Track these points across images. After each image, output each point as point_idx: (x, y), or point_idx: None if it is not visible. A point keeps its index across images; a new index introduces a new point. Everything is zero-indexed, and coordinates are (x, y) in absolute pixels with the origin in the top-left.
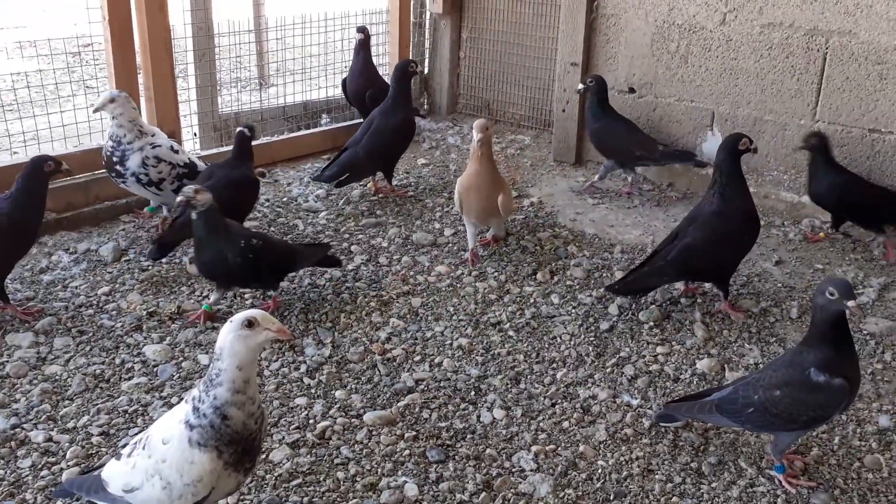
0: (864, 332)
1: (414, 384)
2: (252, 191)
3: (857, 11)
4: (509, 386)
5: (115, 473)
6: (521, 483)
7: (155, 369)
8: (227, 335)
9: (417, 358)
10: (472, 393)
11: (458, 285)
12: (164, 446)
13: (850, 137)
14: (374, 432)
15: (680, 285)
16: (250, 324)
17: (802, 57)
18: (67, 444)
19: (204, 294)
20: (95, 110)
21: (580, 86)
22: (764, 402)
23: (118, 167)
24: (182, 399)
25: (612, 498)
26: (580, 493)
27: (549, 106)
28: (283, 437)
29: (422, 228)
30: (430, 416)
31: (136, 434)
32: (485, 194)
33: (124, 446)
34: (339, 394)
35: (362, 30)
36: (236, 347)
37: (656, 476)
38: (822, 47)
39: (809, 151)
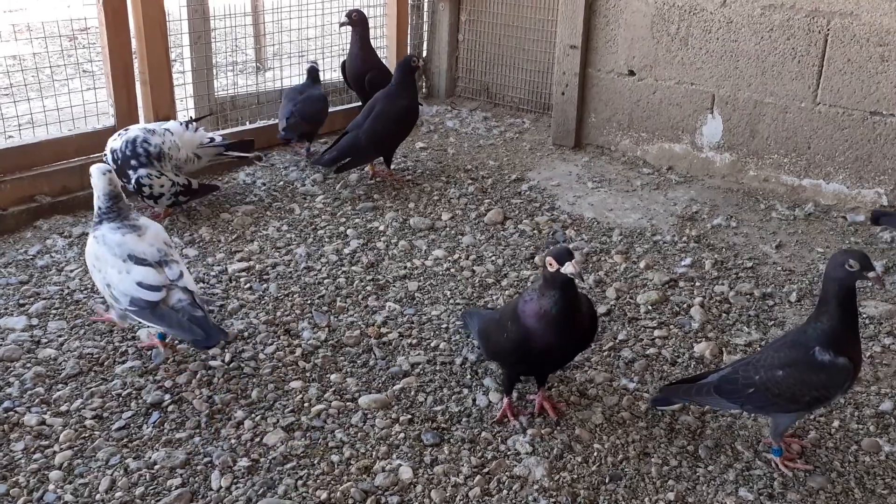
0: (864, 315)
1: (410, 368)
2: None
3: None
4: None
5: None
6: (515, 466)
7: (148, 353)
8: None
9: (413, 342)
10: (468, 376)
11: (455, 269)
12: None
13: (852, 120)
14: (368, 416)
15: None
16: None
17: (804, 39)
18: (60, 427)
19: (200, 278)
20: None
21: None
22: (766, 383)
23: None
24: None
25: (607, 481)
26: (575, 476)
27: (548, 89)
28: (278, 421)
29: (419, 213)
30: (426, 399)
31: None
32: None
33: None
34: (334, 377)
35: (349, 14)
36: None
37: (652, 459)
38: (824, 29)
39: None
